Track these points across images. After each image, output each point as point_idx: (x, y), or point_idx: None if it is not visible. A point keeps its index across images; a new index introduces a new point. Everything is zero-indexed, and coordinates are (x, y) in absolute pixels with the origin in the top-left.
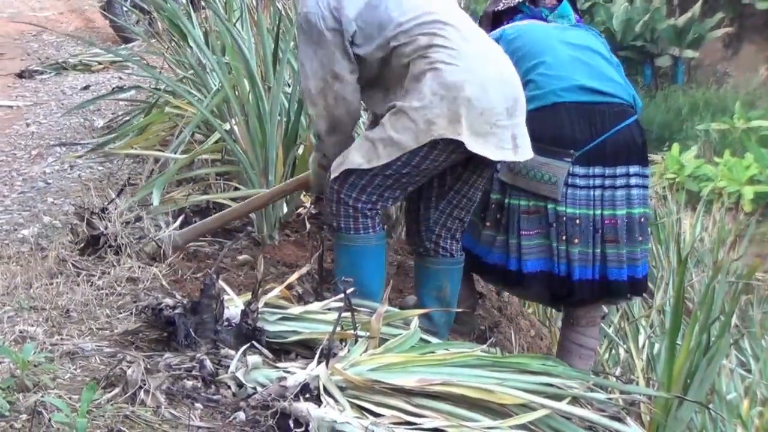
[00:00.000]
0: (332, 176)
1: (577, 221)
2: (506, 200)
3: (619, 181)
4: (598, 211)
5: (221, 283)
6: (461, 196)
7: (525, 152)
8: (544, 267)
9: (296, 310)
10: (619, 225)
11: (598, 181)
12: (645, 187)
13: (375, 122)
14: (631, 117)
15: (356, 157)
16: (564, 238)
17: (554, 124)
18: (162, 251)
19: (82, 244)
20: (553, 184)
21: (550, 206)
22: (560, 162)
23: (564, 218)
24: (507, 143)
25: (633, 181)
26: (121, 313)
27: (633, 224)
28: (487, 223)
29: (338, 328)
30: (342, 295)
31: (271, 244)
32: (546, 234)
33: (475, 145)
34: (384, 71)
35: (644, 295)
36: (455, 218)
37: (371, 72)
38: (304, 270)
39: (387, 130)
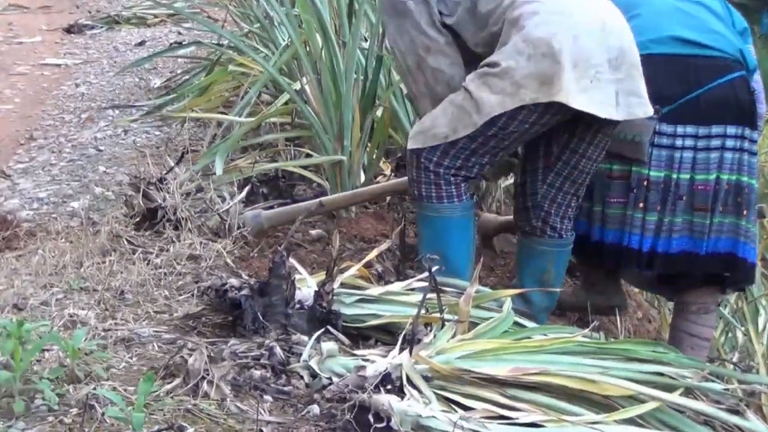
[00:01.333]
0: (411, 145)
1: (661, 185)
2: None
3: (714, 143)
4: (686, 175)
5: (292, 261)
6: (571, 168)
7: (628, 110)
8: (620, 239)
9: (376, 290)
10: (712, 191)
11: (689, 142)
12: (749, 152)
13: None
14: (734, 72)
15: (441, 128)
16: (642, 205)
17: None
18: (226, 226)
19: (138, 218)
20: (637, 143)
21: (634, 169)
22: (645, 120)
23: (645, 183)
24: (611, 99)
25: (729, 143)
26: (181, 295)
27: (726, 191)
28: None
29: (423, 311)
30: (426, 274)
31: (347, 217)
32: (627, 202)
33: (576, 101)
34: (478, 39)
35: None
36: (566, 193)
37: (469, 43)
38: (384, 246)
39: (472, 94)
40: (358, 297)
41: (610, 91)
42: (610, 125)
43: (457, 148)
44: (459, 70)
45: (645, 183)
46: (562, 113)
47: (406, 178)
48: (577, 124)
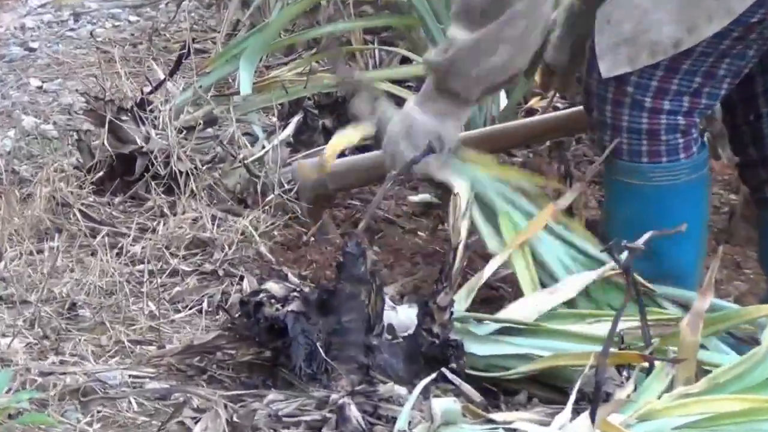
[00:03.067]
0: (606, 69)
1: None
2: None
3: None
4: None
5: (376, 252)
6: None
7: None
8: None
9: (523, 311)
10: None
11: None
12: None
13: None
14: None
15: (662, 29)
16: None
17: None
18: (258, 187)
19: (101, 174)
20: None
21: None
22: None
23: None
24: None
25: None
26: (178, 312)
27: None
28: None
29: (614, 345)
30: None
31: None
32: None
33: None
34: None
35: None
36: None
37: None
38: (540, 221)
39: None
40: (497, 324)
41: None
42: None
43: (691, 63)
44: None
45: None
46: None
47: (581, 107)
48: None
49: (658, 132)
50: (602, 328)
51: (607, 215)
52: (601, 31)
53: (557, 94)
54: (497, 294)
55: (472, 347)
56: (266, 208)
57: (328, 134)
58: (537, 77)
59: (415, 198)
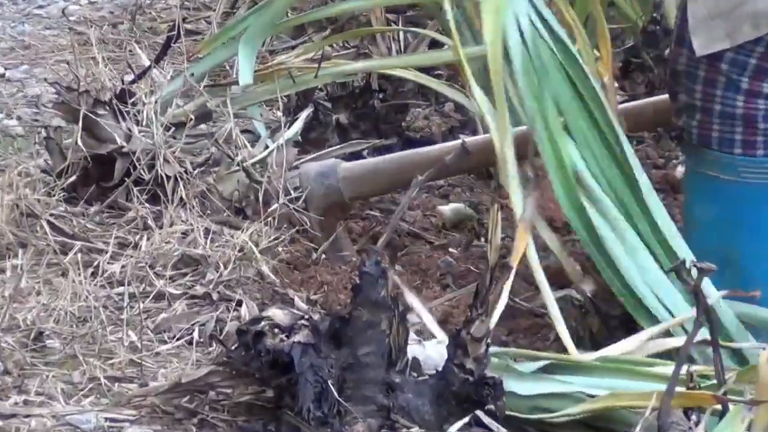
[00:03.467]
0: (701, 46)
1: None
2: None
3: None
4: None
5: (398, 274)
6: None
7: None
8: None
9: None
10: None
11: None
12: None
13: None
14: None
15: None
16: None
17: None
18: (260, 194)
19: (73, 178)
20: None
21: None
22: None
23: None
24: None
25: None
26: (164, 343)
27: None
28: None
29: (680, 384)
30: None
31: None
32: None
33: None
34: None
35: None
36: None
37: None
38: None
39: None
40: (541, 362)
41: None
42: None
43: None
44: None
45: None
46: None
47: (663, 97)
48: None
49: (754, 119)
50: (667, 364)
51: (687, 218)
52: (695, 0)
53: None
54: (542, 322)
55: (513, 385)
56: (269, 219)
57: (342, 132)
58: None
59: (445, 208)
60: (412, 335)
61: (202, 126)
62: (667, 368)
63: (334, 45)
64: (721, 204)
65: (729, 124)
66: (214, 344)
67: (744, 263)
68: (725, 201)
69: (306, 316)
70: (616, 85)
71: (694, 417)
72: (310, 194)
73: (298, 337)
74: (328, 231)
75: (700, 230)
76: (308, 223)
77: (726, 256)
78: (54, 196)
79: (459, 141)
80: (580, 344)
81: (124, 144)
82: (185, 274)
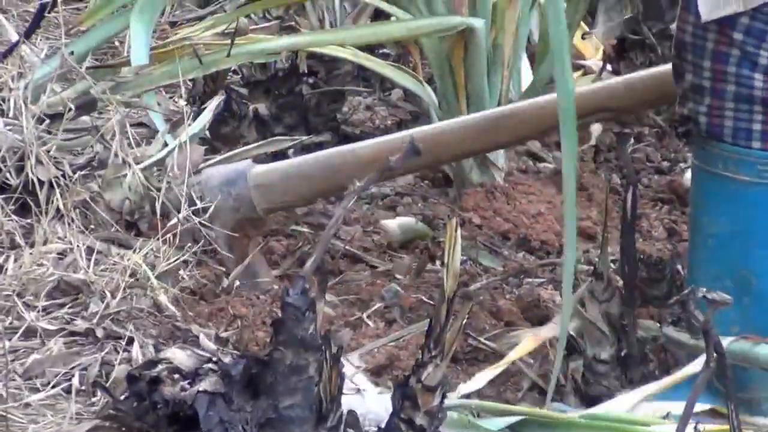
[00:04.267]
0: (708, 11)
1: None
2: None
3: None
4: None
5: (330, 306)
6: None
7: None
8: None
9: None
10: None
11: None
12: None
13: None
14: None
15: None
16: None
17: None
18: (156, 206)
19: None
20: None
21: None
22: None
23: None
24: None
25: None
26: (37, 391)
27: None
28: None
29: None
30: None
31: (483, 180)
32: None
33: None
34: None
35: None
36: None
37: None
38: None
39: None
40: (512, 417)
41: None
42: None
43: None
44: None
45: None
46: None
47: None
48: None
49: None
50: (667, 423)
51: (694, 230)
52: None
53: (609, 63)
54: (512, 367)
55: None
56: (168, 236)
57: (261, 126)
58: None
59: (392, 223)
60: (347, 383)
61: (85, 118)
62: (669, 428)
63: (252, 15)
64: (736, 212)
65: (745, 110)
66: (99, 393)
67: (763, 287)
68: (741, 208)
69: (214, 359)
70: (609, 68)
71: None
72: (215, 207)
73: (204, 385)
74: (241, 252)
75: (708, 244)
76: (217, 241)
77: (741, 278)
78: None
79: (406, 133)
80: (559, 394)
81: None
82: (62, 305)
